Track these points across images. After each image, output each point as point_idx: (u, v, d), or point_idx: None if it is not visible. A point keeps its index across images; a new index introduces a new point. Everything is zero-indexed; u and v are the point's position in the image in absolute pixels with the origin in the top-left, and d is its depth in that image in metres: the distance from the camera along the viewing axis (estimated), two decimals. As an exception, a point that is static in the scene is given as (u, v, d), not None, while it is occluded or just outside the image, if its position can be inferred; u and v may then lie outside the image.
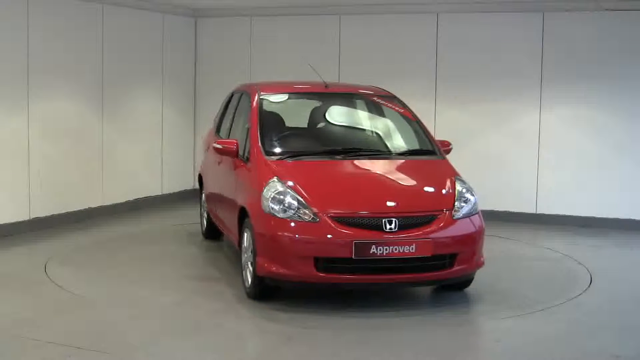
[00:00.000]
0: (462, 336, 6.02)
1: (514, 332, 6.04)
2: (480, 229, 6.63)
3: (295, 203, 6.30)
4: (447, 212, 6.46)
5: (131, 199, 10.72)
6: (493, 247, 8.85)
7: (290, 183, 6.47)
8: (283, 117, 7.72)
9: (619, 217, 10.03)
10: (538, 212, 10.41)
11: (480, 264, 6.73)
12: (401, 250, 6.16)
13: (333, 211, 6.25)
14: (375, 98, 7.94)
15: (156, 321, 6.15)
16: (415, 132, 7.58)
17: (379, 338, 5.81)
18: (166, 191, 11.42)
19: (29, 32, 8.95)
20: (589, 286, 7.36)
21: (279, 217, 6.27)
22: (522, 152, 10.39)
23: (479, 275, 6.87)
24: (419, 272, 6.34)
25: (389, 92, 8.09)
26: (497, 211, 10.43)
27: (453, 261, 6.41)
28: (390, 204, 6.46)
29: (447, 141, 7.60)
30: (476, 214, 6.67)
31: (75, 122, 9.76)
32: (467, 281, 6.93)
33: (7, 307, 6.38)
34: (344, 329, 6.04)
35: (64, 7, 9.49)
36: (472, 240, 6.54)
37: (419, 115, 7.82)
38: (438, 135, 10.51)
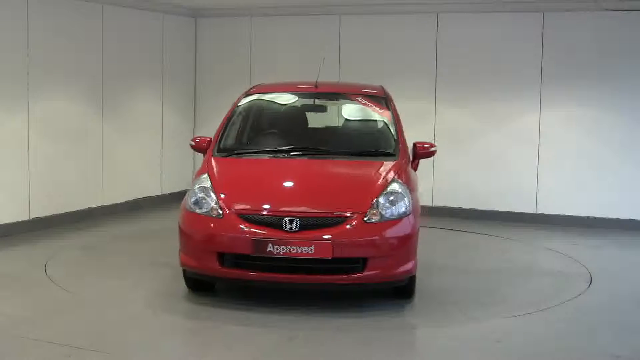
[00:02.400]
0: (462, 336, 6.02)
1: (514, 332, 6.04)
2: (404, 235, 6.35)
3: (209, 200, 6.43)
4: (358, 215, 6.23)
5: (131, 199, 10.73)
6: (493, 248, 8.87)
7: (212, 180, 6.60)
8: (260, 116, 7.79)
9: (619, 217, 10.03)
10: (538, 212, 10.42)
11: (406, 271, 6.37)
12: (299, 251, 6.08)
13: (239, 208, 6.32)
14: (359, 98, 7.77)
15: (156, 321, 6.15)
16: (383, 133, 7.39)
17: (381, 338, 5.81)
18: (166, 191, 11.42)
19: (29, 32, 8.95)
20: (589, 286, 7.36)
21: (196, 213, 6.46)
22: (522, 152, 10.40)
23: (480, 276, 6.87)
24: (324, 274, 6.22)
25: (383, 91, 7.87)
26: (497, 211, 10.44)
27: (364, 266, 6.19)
28: (296, 203, 6.38)
29: (429, 143, 7.45)
30: (402, 218, 6.36)
31: (75, 122, 9.76)
32: (405, 289, 6.62)
33: (7, 307, 6.37)
34: (345, 329, 6.04)
35: (64, 7, 9.49)
36: (386, 246, 6.29)
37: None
38: (438, 135, 10.54)
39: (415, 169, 7.44)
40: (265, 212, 6.27)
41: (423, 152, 7.36)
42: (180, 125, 11.75)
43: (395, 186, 6.50)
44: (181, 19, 11.60)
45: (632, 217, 9.98)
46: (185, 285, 6.85)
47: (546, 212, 10.37)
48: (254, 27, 11.56)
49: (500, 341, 5.83)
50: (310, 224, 6.16)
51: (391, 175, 6.66)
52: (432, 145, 7.43)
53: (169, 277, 7.36)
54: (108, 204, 10.26)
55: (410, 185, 6.70)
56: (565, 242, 9.27)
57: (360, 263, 6.20)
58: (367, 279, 6.24)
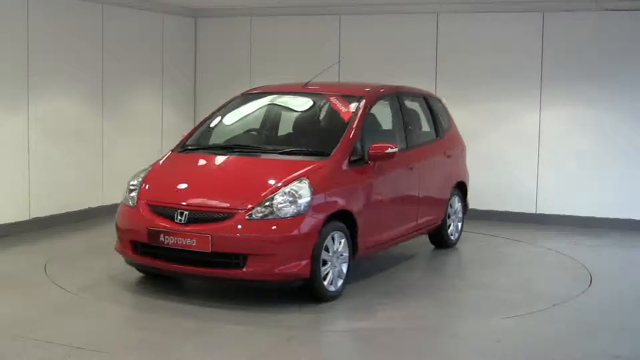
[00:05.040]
0: (462, 336, 6.02)
1: (514, 332, 6.04)
2: (290, 235, 6.27)
3: (135, 192, 6.89)
4: (243, 211, 6.30)
5: (131, 199, 10.72)
6: (493, 247, 8.87)
7: (148, 173, 7.10)
8: (233, 116, 7.93)
9: (619, 217, 10.03)
10: (538, 212, 10.41)
11: (293, 273, 6.28)
12: (184, 243, 6.34)
13: (148, 199, 6.73)
14: (333, 98, 7.67)
15: (156, 321, 6.14)
16: (330, 133, 7.27)
17: (379, 339, 5.81)
18: (166, 191, 11.41)
19: (29, 32, 8.95)
20: (589, 286, 7.36)
21: (123, 203, 7.00)
22: (522, 152, 10.39)
23: (480, 276, 6.87)
24: (207, 267, 6.38)
25: (365, 92, 7.70)
26: (497, 211, 10.44)
27: (245, 263, 6.25)
28: (190, 198, 6.60)
29: (387, 145, 7.10)
30: (293, 217, 6.30)
31: (75, 122, 9.76)
32: (314, 293, 6.48)
33: (7, 307, 6.37)
34: (344, 329, 6.04)
35: (64, 7, 9.49)
36: (267, 244, 6.26)
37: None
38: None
39: (375, 172, 7.17)
40: (164, 204, 6.61)
41: (375, 153, 7.07)
42: (180, 125, 11.72)
43: (295, 185, 6.44)
44: (181, 19, 11.60)
45: (632, 217, 9.98)
46: (184, 285, 6.85)
47: (546, 212, 10.36)
48: (254, 27, 11.55)
49: (500, 341, 5.83)
50: (197, 217, 6.39)
51: (299, 174, 6.58)
52: (388, 147, 7.11)
53: (169, 277, 7.36)
54: (108, 204, 10.24)
55: (320, 186, 6.53)
56: (565, 242, 9.27)
57: (240, 259, 6.26)
58: (247, 276, 6.30)
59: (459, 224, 9.02)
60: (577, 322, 6.33)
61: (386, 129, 8.02)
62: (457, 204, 8.90)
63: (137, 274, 7.27)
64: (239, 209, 6.33)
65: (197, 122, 11.86)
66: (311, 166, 6.72)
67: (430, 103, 8.76)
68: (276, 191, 6.40)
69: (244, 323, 6.11)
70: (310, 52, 11.01)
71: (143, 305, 6.51)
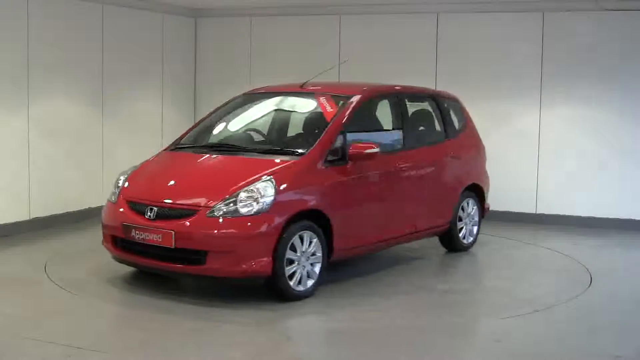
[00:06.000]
0: (462, 336, 6.02)
1: (514, 332, 6.04)
2: (250, 233, 6.32)
3: (118, 187, 7.12)
4: (205, 209, 6.42)
5: (131, 199, 10.72)
6: (493, 248, 8.86)
7: (135, 171, 7.28)
8: (234, 116, 8.00)
9: (619, 217, 10.03)
10: (538, 212, 10.42)
11: (254, 271, 6.33)
12: (152, 238, 6.52)
13: (126, 196, 6.93)
14: (322, 98, 7.66)
15: (156, 321, 6.14)
16: (312, 133, 7.28)
17: (379, 338, 5.81)
18: (166, 191, 11.41)
19: (29, 32, 8.95)
20: (589, 286, 7.36)
21: (110, 200, 7.13)
22: (522, 152, 10.39)
23: (480, 276, 6.88)
24: (172, 263, 6.51)
25: (355, 92, 7.63)
26: (497, 211, 10.42)
27: (205, 259, 6.35)
28: (161, 195, 6.76)
29: (367, 145, 7.05)
30: (254, 216, 6.35)
31: (75, 122, 9.76)
32: (279, 291, 6.50)
33: (7, 307, 6.37)
34: (343, 328, 6.04)
35: (64, 7, 9.49)
36: (226, 241, 6.34)
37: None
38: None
39: (357, 172, 7.11)
40: (138, 201, 6.80)
41: (354, 153, 7.03)
42: (180, 125, 11.69)
43: (260, 184, 6.49)
44: (181, 19, 11.60)
45: (632, 217, 9.98)
46: (184, 285, 6.85)
47: (546, 212, 10.36)
48: (254, 27, 11.55)
49: (500, 341, 5.83)
50: (165, 214, 6.55)
51: (265, 173, 6.62)
52: (368, 147, 7.05)
53: (168, 277, 7.36)
54: (108, 204, 10.25)
55: (286, 185, 6.55)
56: (565, 242, 9.27)
57: (201, 256, 6.36)
58: (207, 272, 6.42)
59: (474, 228, 8.80)
60: (577, 322, 6.33)
61: (382, 129, 7.99)
62: (471, 207, 8.71)
63: (137, 274, 7.27)
64: (202, 207, 6.46)
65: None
66: (281, 165, 6.77)
67: (440, 103, 8.59)
68: (240, 190, 6.48)
69: (244, 323, 6.11)
70: (310, 52, 11.01)
71: (143, 305, 6.51)
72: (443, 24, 10.64)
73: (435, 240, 8.68)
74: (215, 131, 7.90)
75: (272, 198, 6.43)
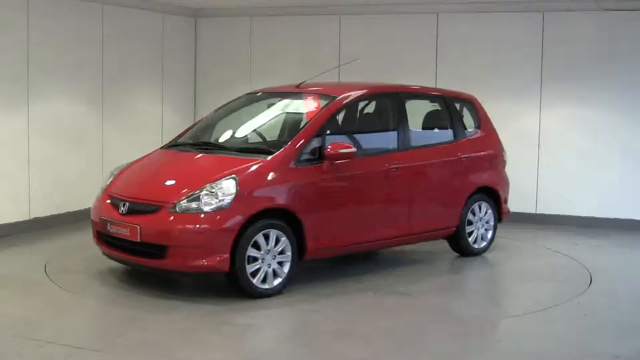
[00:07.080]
0: (462, 336, 6.02)
1: (514, 332, 6.05)
2: (208, 229, 6.42)
3: (106, 183, 7.36)
4: (169, 205, 6.56)
5: (131, 199, 10.72)
6: (493, 247, 8.86)
7: (125, 167, 7.51)
8: (226, 116, 8.08)
9: (619, 217, 10.03)
10: (538, 212, 10.41)
11: (210, 266, 6.42)
12: (122, 232, 6.76)
13: (109, 191, 7.16)
14: (309, 98, 7.75)
15: (155, 321, 6.15)
16: (290, 132, 7.34)
17: (378, 339, 5.81)
18: (166, 191, 11.41)
19: (29, 32, 8.95)
20: (589, 286, 7.36)
21: (98, 196, 7.33)
22: (522, 152, 10.38)
23: (479, 275, 6.87)
24: (139, 257, 6.73)
25: (343, 92, 7.62)
26: (497, 211, 10.42)
27: (166, 253, 6.49)
28: (134, 191, 6.99)
29: (342, 145, 7.02)
30: (213, 212, 6.44)
31: (75, 122, 9.76)
32: (239, 287, 6.56)
33: (7, 307, 6.38)
34: (343, 328, 6.04)
35: (64, 7, 9.48)
36: (184, 236, 6.46)
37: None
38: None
39: (334, 172, 7.06)
40: (116, 196, 7.02)
41: (330, 153, 6.98)
42: (180, 125, 11.69)
43: (223, 182, 6.61)
44: (181, 19, 11.60)
45: (632, 217, 9.98)
46: (184, 285, 6.84)
47: (546, 212, 10.36)
48: (254, 27, 11.55)
49: (500, 341, 5.84)
50: (135, 209, 6.75)
51: (230, 171, 6.71)
52: (342, 147, 7.02)
53: (168, 277, 7.36)
54: (108, 204, 10.26)
55: (250, 184, 6.63)
56: (565, 242, 9.27)
57: (162, 250, 6.52)
58: (166, 267, 6.63)
59: (490, 232, 8.53)
60: (577, 322, 6.33)
61: (376, 130, 7.95)
62: (483, 211, 8.44)
63: (137, 274, 7.27)
64: (165, 202, 6.60)
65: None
66: (249, 164, 6.81)
67: (449, 104, 8.43)
68: (202, 187, 6.59)
69: (244, 322, 6.12)
70: (311, 52, 11.00)
71: (143, 305, 6.51)
72: (443, 24, 10.64)
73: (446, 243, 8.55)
74: (206, 131, 8.00)
75: (233, 195, 6.53)
